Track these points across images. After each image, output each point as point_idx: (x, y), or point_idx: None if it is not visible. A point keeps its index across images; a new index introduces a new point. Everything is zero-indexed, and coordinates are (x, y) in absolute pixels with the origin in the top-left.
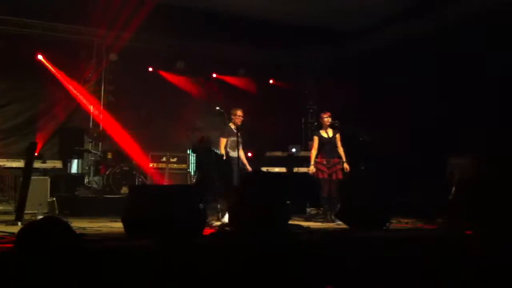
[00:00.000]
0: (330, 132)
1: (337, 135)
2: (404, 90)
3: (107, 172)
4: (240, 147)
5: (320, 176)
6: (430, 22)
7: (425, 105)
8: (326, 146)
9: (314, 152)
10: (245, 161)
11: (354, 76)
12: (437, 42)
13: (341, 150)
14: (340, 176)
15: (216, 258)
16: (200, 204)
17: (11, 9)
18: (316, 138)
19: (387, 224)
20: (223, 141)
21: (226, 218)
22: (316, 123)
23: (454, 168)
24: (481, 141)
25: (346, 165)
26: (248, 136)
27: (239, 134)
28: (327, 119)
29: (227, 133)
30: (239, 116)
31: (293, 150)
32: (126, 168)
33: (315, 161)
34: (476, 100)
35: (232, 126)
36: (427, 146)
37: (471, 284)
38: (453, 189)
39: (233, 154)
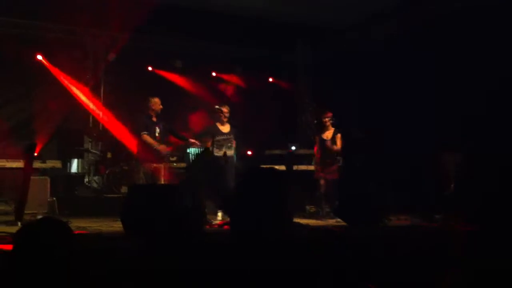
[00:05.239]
0: (330, 134)
1: (338, 135)
2: (400, 87)
3: (107, 172)
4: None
5: (316, 175)
6: (427, 11)
7: (421, 101)
8: (325, 146)
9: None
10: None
11: (350, 73)
12: (435, 33)
13: (336, 148)
14: (336, 176)
15: (219, 257)
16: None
17: (6, 10)
18: (317, 138)
19: (385, 221)
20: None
21: (220, 216)
22: (316, 121)
23: (450, 165)
24: (475, 138)
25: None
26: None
27: (230, 131)
28: (327, 119)
29: (211, 133)
30: (225, 113)
31: (293, 148)
32: (126, 168)
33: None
34: (470, 96)
35: (219, 125)
36: (423, 142)
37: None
38: (452, 185)
39: (219, 153)
